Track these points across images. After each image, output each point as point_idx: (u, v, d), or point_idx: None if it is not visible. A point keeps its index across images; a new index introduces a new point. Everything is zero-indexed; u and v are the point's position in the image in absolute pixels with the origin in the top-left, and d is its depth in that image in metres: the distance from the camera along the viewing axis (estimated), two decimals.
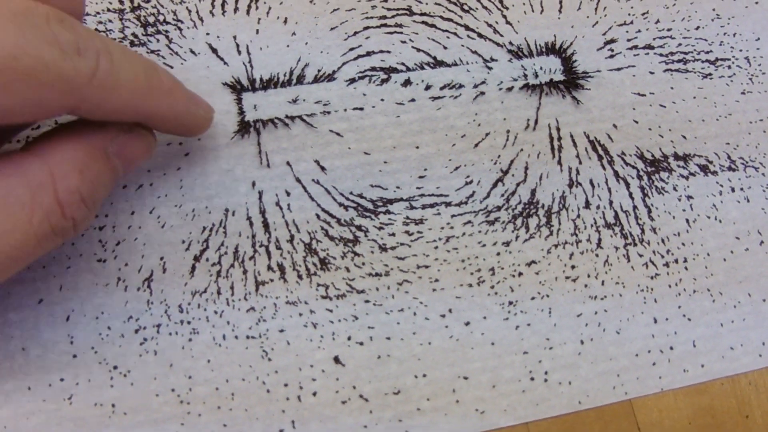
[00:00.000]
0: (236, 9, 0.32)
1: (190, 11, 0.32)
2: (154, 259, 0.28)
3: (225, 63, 0.31)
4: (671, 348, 0.29)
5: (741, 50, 0.35)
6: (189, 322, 0.27)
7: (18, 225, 0.20)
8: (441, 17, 0.34)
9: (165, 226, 0.28)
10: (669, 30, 0.35)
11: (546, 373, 0.28)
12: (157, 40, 0.31)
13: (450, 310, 0.29)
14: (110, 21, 0.31)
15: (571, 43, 0.34)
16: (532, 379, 0.28)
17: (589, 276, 0.30)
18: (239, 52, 0.31)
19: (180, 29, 0.32)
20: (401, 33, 0.33)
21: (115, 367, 0.26)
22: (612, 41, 0.34)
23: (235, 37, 0.32)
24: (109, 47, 0.21)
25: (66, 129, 0.23)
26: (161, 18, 0.32)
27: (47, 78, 0.19)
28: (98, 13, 0.31)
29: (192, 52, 0.31)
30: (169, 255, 0.28)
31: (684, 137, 0.33)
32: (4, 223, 0.20)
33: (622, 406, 0.28)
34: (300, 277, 0.28)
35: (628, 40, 0.35)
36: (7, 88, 0.19)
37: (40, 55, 0.19)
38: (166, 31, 0.31)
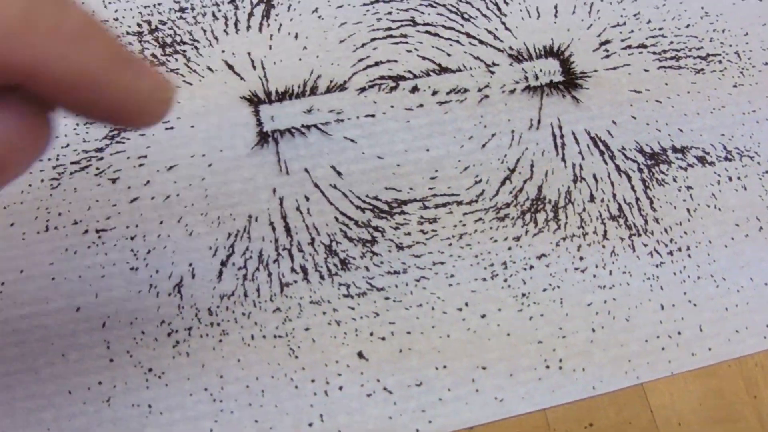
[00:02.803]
0: (249, 27, 0.34)
1: (205, 31, 0.34)
2: (183, 265, 0.29)
3: (241, 78, 0.33)
4: (679, 333, 0.31)
5: (731, 45, 0.37)
6: (218, 324, 0.29)
7: None
8: (443, 26, 0.35)
9: (192, 234, 0.30)
10: (660, 29, 0.37)
11: (560, 360, 0.30)
12: (176, 60, 0.33)
13: (466, 304, 0.30)
14: (130, 44, 0.33)
15: (568, 46, 0.36)
16: (548, 367, 0.29)
17: (597, 266, 0.31)
18: (254, 68, 0.33)
19: (196, 48, 0.33)
20: (406, 43, 0.34)
21: (150, 370, 0.28)
22: (607, 42, 0.36)
23: (249, 54, 0.33)
24: None
25: None
26: (178, 39, 0.33)
27: None
28: (118, 36, 0.33)
29: (209, 69, 0.33)
30: (197, 261, 0.29)
31: (681, 130, 0.34)
32: None
33: (635, 390, 0.30)
34: (322, 277, 0.30)
35: (622, 41, 0.36)
36: None
37: None
38: (184, 51, 0.33)
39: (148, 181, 0.30)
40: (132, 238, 0.29)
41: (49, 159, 0.30)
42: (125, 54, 0.17)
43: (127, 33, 0.33)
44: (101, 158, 0.31)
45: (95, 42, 0.16)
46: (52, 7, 0.15)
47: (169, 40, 0.33)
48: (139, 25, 0.33)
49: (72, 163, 0.31)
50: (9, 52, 0.14)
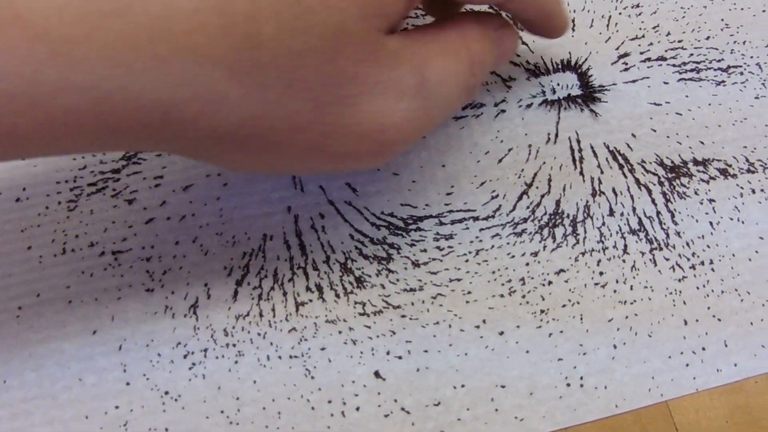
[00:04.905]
0: None
1: None
2: (198, 286, 0.29)
3: None
4: (703, 348, 0.30)
5: (752, 57, 0.36)
6: (234, 345, 0.28)
7: (459, 70, 0.25)
8: None
9: (207, 254, 0.30)
10: (680, 41, 0.36)
11: (581, 378, 0.29)
12: None
13: (484, 321, 0.30)
14: None
15: (586, 59, 0.35)
16: (569, 384, 0.29)
17: (617, 281, 0.31)
18: None
19: None
20: None
21: (167, 393, 0.28)
22: (625, 55, 0.36)
23: None
24: None
25: (468, 13, 0.27)
26: None
27: None
28: None
29: None
30: (212, 281, 0.29)
31: (702, 143, 0.34)
32: (448, 66, 0.24)
33: (659, 407, 0.29)
34: (338, 296, 0.29)
35: (641, 53, 0.36)
36: None
37: None
38: None
39: (164, 202, 0.31)
40: (148, 260, 0.29)
41: (66, 181, 0.31)
42: None
43: None
44: (118, 179, 0.31)
45: None
46: None
47: None
48: None
49: (89, 185, 0.31)
50: None
